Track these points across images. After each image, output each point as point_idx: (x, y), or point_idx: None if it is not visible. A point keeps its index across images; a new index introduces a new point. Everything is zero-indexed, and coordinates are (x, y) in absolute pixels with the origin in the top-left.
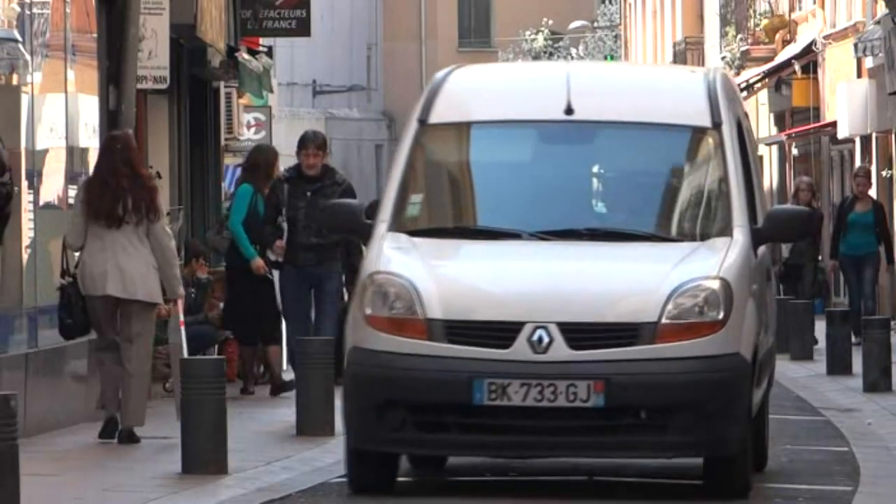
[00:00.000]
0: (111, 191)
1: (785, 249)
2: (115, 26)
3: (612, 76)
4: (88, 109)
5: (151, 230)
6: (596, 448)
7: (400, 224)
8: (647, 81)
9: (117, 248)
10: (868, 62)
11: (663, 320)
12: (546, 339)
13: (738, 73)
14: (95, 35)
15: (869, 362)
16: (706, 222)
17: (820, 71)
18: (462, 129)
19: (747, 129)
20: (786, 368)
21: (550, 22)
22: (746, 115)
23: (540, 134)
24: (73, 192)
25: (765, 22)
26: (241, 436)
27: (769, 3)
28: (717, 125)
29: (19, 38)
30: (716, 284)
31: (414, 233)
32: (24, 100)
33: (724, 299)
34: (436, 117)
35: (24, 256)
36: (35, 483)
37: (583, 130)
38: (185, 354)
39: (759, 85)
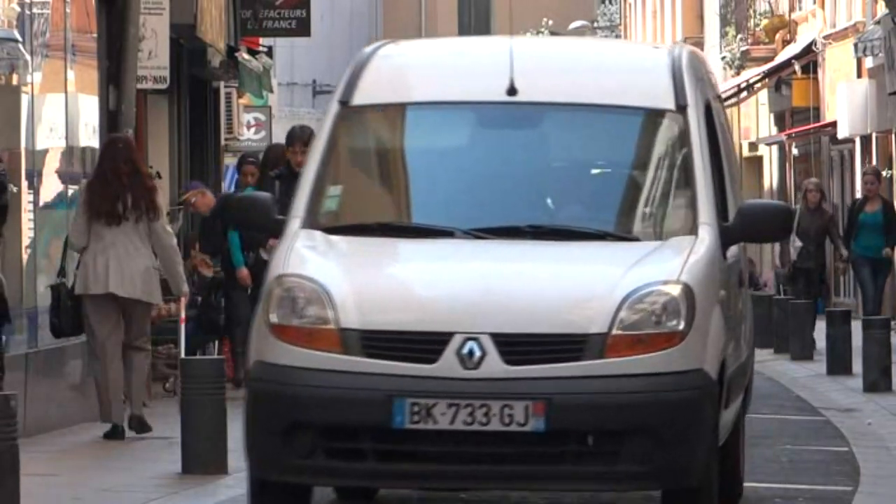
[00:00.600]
0: (112, 188)
1: (793, 252)
2: (115, 26)
3: (561, 52)
4: (88, 109)
5: (152, 229)
6: (535, 479)
7: (315, 220)
8: (603, 58)
9: (118, 247)
10: (868, 62)
11: (614, 331)
12: (478, 353)
13: (738, 73)
14: (95, 35)
15: (869, 362)
16: (667, 219)
17: (820, 71)
18: (389, 112)
19: (718, 113)
20: (786, 368)
21: (550, 22)
22: (719, 96)
23: (478, 117)
24: (73, 191)
25: (765, 22)
26: (241, 436)
27: (769, 3)
28: (681, 108)
29: (19, 38)
30: (676, 290)
31: (331, 230)
32: (24, 100)
33: (686, 307)
34: (360, 98)
35: (24, 256)
36: (35, 483)
37: (527, 113)
38: (184, 353)
39: (759, 85)
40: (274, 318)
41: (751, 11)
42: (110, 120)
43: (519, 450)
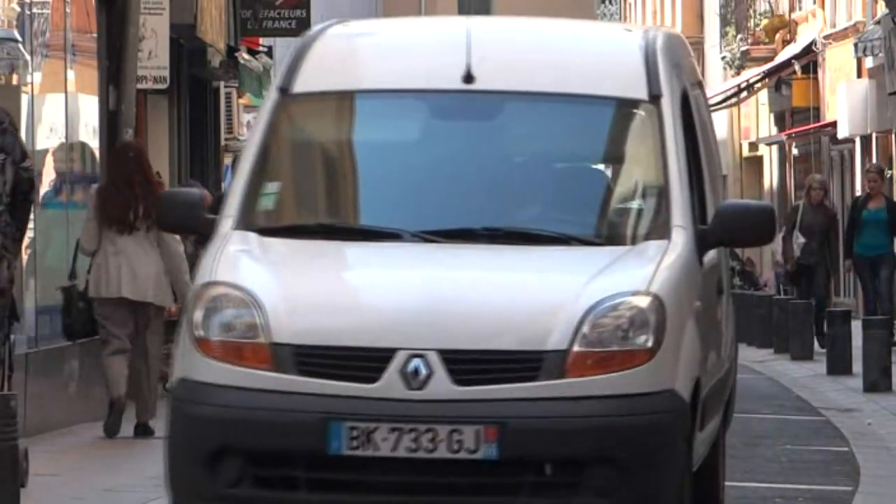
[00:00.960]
0: (124, 198)
1: (796, 249)
2: (115, 26)
3: (524, 35)
4: (88, 109)
5: (161, 237)
6: None
7: (249, 220)
8: (569, 42)
9: (129, 252)
10: (868, 62)
11: (575, 348)
12: (423, 372)
13: (738, 73)
14: (95, 35)
15: (869, 362)
16: (637, 221)
17: (820, 71)
18: (332, 101)
19: (698, 102)
20: (786, 368)
21: None
22: (700, 84)
23: (430, 107)
24: (73, 192)
25: (765, 22)
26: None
27: (769, 3)
28: (654, 97)
29: (19, 38)
30: (644, 302)
31: (266, 231)
32: (24, 100)
33: (655, 321)
34: (301, 85)
35: (24, 256)
36: (35, 483)
37: (485, 103)
38: None
39: (759, 85)
40: (199, 332)
41: (751, 11)
42: (110, 120)
43: (469, 480)
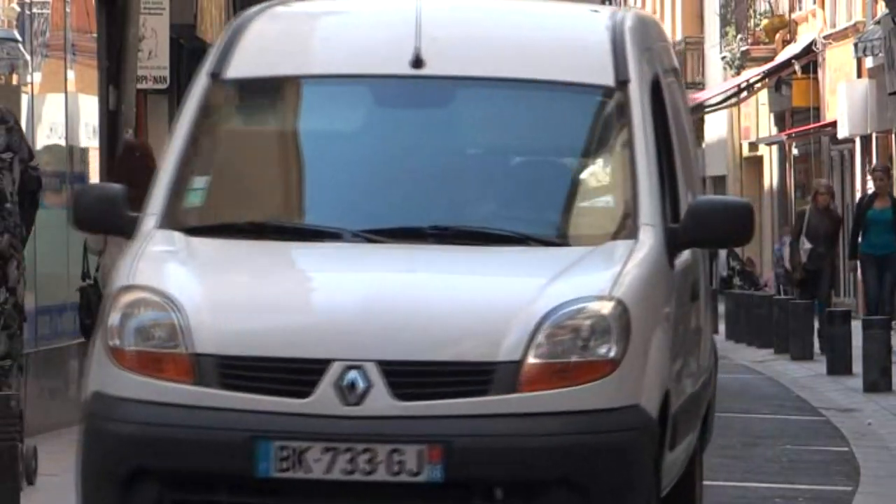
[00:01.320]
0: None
1: (803, 254)
2: (115, 26)
3: (480, 15)
4: (88, 109)
5: None
6: None
7: (175, 218)
8: (529, 23)
9: None
10: (868, 62)
11: (530, 359)
12: (361, 385)
13: (738, 73)
14: (95, 35)
15: (869, 362)
16: (601, 219)
17: (820, 71)
18: (268, 88)
19: (672, 89)
20: (786, 368)
21: None
22: (675, 70)
23: (375, 94)
24: (72, 191)
25: (765, 22)
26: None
27: (769, 3)
28: (622, 84)
29: (19, 38)
30: (607, 308)
31: (193, 231)
32: (24, 100)
33: (619, 329)
34: (234, 70)
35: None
36: (35, 483)
37: (435, 90)
38: None
39: (759, 85)
40: (114, 341)
41: (751, 11)
42: (110, 120)
43: None
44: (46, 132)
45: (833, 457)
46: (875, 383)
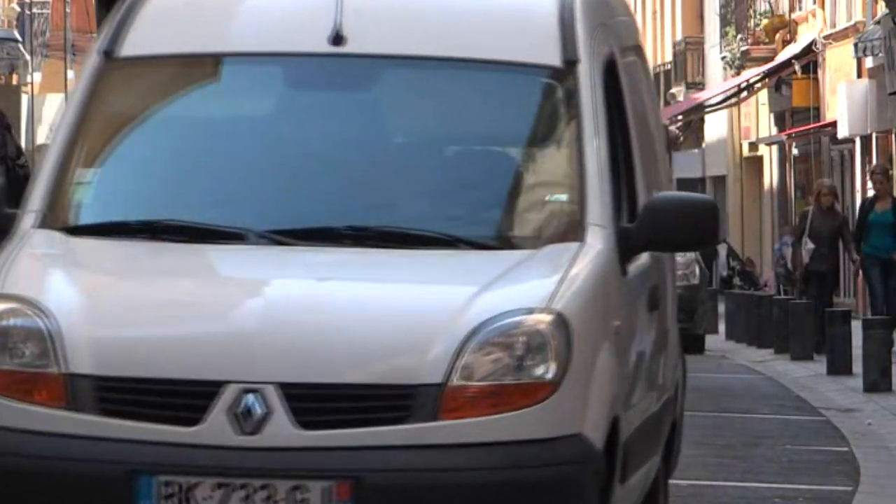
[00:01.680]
0: None
1: (806, 255)
2: None
3: None
4: None
5: None
6: None
7: (56, 216)
8: None
9: None
10: (868, 62)
11: (455, 381)
12: (259, 411)
13: (738, 73)
14: (95, 35)
15: (869, 362)
16: (543, 219)
17: (820, 71)
18: (167, 67)
19: (632, 70)
20: (786, 368)
21: None
22: (638, 48)
23: (289, 75)
24: None
25: (765, 22)
26: None
27: (769, 3)
28: (569, 64)
29: (19, 38)
30: (545, 321)
31: (77, 230)
32: (24, 100)
33: (559, 346)
34: (130, 48)
35: None
36: None
37: (357, 70)
38: None
39: (759, 85)
40: None
41: (751, 11)
42: None
43: None
44: (46, 132)
45: (833, 457)
46: (875, 383)
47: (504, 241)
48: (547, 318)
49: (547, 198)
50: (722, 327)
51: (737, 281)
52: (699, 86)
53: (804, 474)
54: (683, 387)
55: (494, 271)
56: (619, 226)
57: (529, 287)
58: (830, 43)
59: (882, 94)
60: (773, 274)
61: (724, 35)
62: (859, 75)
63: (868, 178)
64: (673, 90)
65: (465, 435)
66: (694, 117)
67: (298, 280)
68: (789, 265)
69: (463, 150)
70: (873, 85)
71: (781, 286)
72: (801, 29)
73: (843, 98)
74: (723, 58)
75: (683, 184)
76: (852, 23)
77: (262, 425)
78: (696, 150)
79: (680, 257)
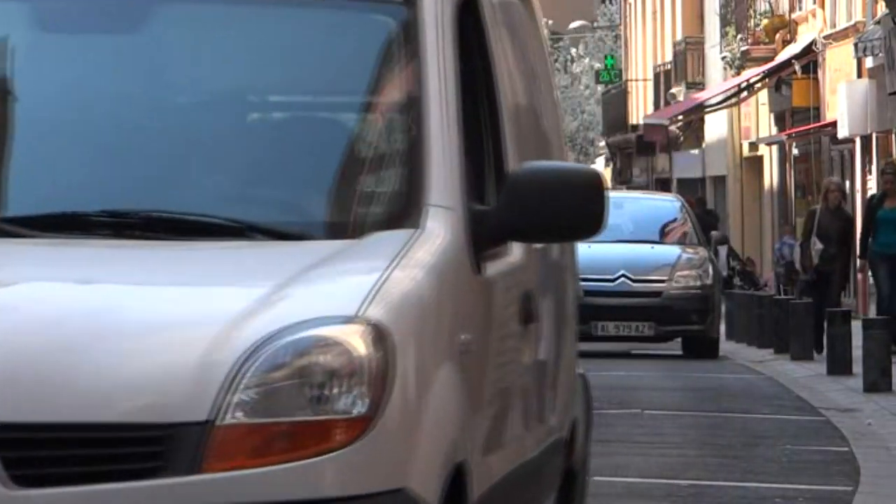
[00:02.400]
0: None
1: (815, 256)
2: None
3: None
4: None
5: None
6: None
7: None
8: None
9: None
10: (868, 62)
11: (225, 419)
12: None
13: (738, 73)
14: None
15: (869, 362)
16: (366, 198)
17: (820, 71)
18: None
19: (506, 12)
20: (786, 368)
21: (550, 22)
22: None
23: (35, 13)
24: None
25: (765, 22)
26: None
27: (769, 3)
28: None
29: None
30: (356, 336)
31: None
32: None
33: (374, 369)
34: None
35: None
36: None
37: (125, 5)
38: None
39: (759, 85)
40: None
41: (751, 11)
42: None
43: None
44: None
45: (833, 457)
46: (875, 383)
47: (312, 229)
48: (358, 330)
49: (373, 171)
50: (722, 327)
51: (737, 281)
52: (699, 86)
53: (804, 474)
54: (588, 425)
55: (292, 268)
56: (471, 208)
57: (338, 289)
58: (830, 43)
59: (882, 94)
60: (773, 274)
61: (724, 35)
62: (859, 75)
63: (869, 175)
64: (673, 90)
65: (241, 493)
66: (694, 117)
67: (25, 283)
68: (797, 265)
69: (260, 110)
70: (873, 85)
71: (781, 286)
72: (801, 29)
73: (843, 98)
74: (723, 58)
75: (684, 184)
76: (852, 23)
77: None
78: (696, 151)
79: (692, 255)
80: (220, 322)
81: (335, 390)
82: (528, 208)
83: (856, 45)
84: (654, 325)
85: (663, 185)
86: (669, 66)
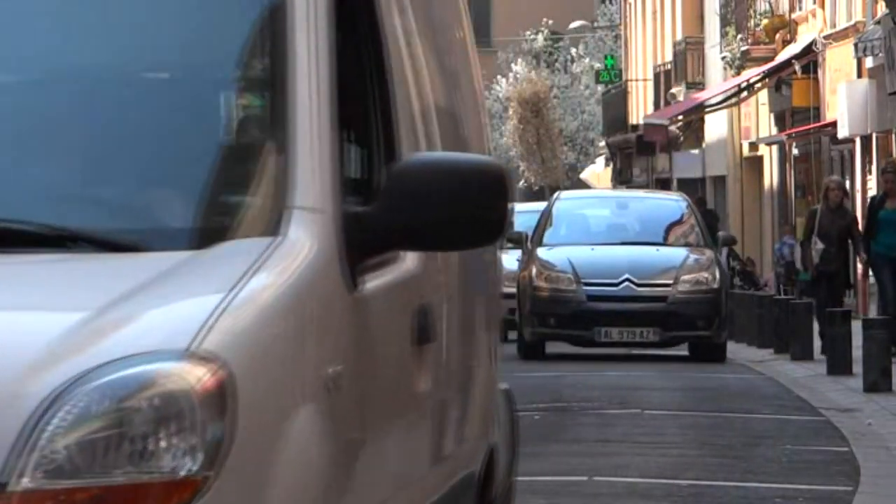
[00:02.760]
0: None
1: (816, 255)
2: None
3: None
4: None
5: None
6: None
7: None
8: None
9: None
10: (868, 62)
11: (22, 483)
12: None
13: (738, 73)
14: None
15: (869, 362)
16: (217, 200)
17: (820, 71)
18: None
19: None
20: (786, 368)
21: (550, 22)
22: None
23: None
24: None
25: (765, 22)
26: None
27: (769, 3)
28: None
29: None
30: (188, 376)
31: None
32: None
33: (210, 417)
34: None
35: None
36: None
37: None
38: None
39: (759, 85)
40: None
41: (751, 11)
42: None
43: None
44: None
45: (833, 457)
46: (875, 383)
47: (148, 237)
48: (191, 368)
49: (226, 167)
50: None
51: (737, 281)
52: (699, 86)
53: (804, 474)
54: (512, 452)
55: (118, 289)
56: (346, 210)
57: (169, 316)
58: (830, 43)
59: (882, 94)
60: (773, 274)
61: (724, 35)
62: (859, 75)
63: (869, 175)
64: (673, 90)
65: None
66: (694, 117)
67: None
68: (798, 265)
69: (96, 90)
70: (873, 85)
71: (781, 286)
72: (801, 29)
73: (843, 98)
74: (723, 58)
75: (684, 184)
76: (852, 23)
77: None
78: (697, 151)
79: (698, 257)
80: (17, 360)
81: (161, 444)
82: (417, 210)
83: (856, 45)
84: (659, 330)
85: (663, 185)
86: (669, 66)
